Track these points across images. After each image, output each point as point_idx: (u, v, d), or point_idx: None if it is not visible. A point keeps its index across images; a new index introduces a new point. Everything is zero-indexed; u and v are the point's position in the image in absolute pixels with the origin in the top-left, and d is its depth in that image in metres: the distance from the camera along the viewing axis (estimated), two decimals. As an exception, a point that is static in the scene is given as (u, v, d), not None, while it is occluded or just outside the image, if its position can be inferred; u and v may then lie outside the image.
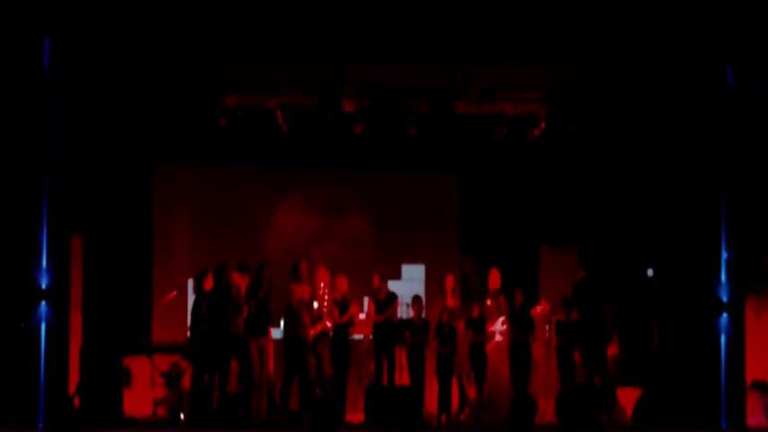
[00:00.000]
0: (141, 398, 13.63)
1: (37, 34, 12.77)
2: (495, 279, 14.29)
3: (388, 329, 13.73)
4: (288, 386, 13.22)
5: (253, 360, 13.03)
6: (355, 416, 13.67)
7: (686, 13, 13.07)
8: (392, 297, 13.87)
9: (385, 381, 13.61)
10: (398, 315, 14.02)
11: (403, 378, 13.97)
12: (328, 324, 13.46)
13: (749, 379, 13.51)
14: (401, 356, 13.97)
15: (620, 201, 14.94)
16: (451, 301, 14.04)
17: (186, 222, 15.45)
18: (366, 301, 14.39)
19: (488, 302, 14.19)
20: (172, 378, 13.62)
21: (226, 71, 13.33)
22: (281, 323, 13.43)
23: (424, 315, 14.07)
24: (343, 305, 13.61)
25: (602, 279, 14.34)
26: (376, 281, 13.91)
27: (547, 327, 14.23)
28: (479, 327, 13.93)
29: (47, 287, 12.65)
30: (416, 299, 14.03)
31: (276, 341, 13.62)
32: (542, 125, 13.93)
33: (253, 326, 13.13)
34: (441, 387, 13.82)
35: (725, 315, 13.26)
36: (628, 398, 13.84)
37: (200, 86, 13.43)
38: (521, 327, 13.93)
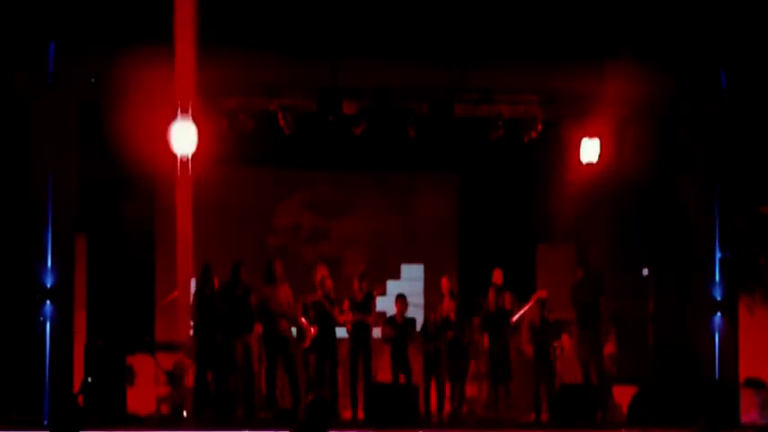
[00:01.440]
0: (144, 395, 13.73)
1: (42, 37, 12.87)
2: (498, 278, 14.32)
3: (363, 329, 13.79)
4: (271, 382, 13.39)
5: (234, 359, 13.19)
6: (353, 413, 13.75)
7: (681, 16, 13.17)
8: (370, 298, 13.87)
9: (361, 378, 13.67)
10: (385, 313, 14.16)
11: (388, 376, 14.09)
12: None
13: (743, 377, 13.64)
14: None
15: (617, 200, 15.03)
16: (447, 303, 14.07)
17: (188, 222, 15.55)
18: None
19: (490, 302, 14.26)
20: (175, 376, 13.74)
21: (227, 73, 13.41)
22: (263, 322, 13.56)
23: (417, 315, 14.17)
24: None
25: (600, 278, 14.44)
26: (355, 281, 13.95)
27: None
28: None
29: (51, 286, 12.77)
30: (400, 297, 14.06)
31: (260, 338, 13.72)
32: (539, 127, 14.03)
33: (234, 325, 13.27)
34: (426, 385, 13.85)
35: (719, 314, 13.40)
36: (623, 396, 13.95)
37: (201, 88, 13.51)
38: (497, 328, 13.99)
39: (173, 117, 13.13)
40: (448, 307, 13.95)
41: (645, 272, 14.77)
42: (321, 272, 13.86)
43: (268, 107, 13.85)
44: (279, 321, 13.39)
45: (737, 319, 13.57)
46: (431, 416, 13.77)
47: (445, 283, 14.14)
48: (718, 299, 13.41)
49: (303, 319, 13.69)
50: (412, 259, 16.22)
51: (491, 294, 14.12)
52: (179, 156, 13.21)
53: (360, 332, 13.74)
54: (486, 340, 14.08)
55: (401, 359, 13.86)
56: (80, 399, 12.90)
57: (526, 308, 14.15)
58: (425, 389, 13.81)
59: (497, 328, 14.01)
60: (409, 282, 15.91)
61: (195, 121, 13.21)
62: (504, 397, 13.92)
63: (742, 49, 13.33)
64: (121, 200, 14.88)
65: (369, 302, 13.81)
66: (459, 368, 13.91)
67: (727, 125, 13.50)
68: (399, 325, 13.90)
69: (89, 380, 12.90)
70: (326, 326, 13.72)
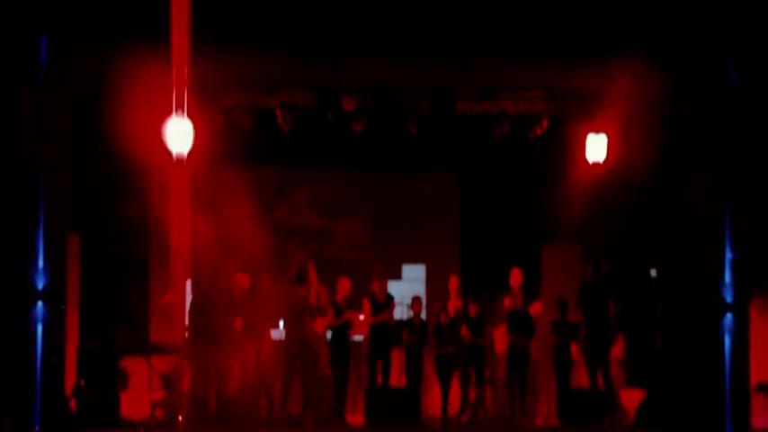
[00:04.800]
0: (138, 400, 13.57)
1: (34, 32, 12.69)
2: (516, 278, 14.11)
3: (384, 331, 13.62)
4: (289, 387, 13.16)
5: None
6: (355, 417, 13.59)
7: (689, 11, 12.99)
8: (390, 298, 13.76)
9: (380, 382, 13.50)
10: (396, 316, 13.97)
11: (401, 380, 13.88)
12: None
13: (754, 381, 13.43)
14: (401, 358, 13.90)
15: (624, 199, 14.83)
16: (455, 302, 13.92)
17: (184, 222, 15.41)
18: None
19: (506, 302, 14.05)
20: (170, 380, 13.55)
21: (223, 69, 13.23)
22: (281, 324, 13.41)
23: (423, 316, 14.00)
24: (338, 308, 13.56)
25: (608, 279, 14.27)
26: (375, 282, 13.79)
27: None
28: (478, 328, 13.79)
29: (43, 287, 12.55)
30: (416, 299, 13.97)
31: (275, 342, 13.55)
32: (544, 124, 13.83)
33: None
34: (442, 388, 13.71)
35: (729, 315, 13.17)
36: (631, 400, 13.76)
37: (198, 85, 13.34)
38: (520, 329, 13.80)
39: (168, 115, 12.95)
40: (455, 307, 13.72)
41: (653, 273, 14.58)
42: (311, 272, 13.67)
43: (266, 104, 13.73)
44: (305, 323, 13.20)
45: (748, 321, 13.34)
46: (433, 419, 13.65)
47: (453, 282, 13.94)
48: (729, 300, 13.18)
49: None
50: (414, 260, 16.05)
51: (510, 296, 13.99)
52: (175, 154, 13.04)
53: (382, 334, 13.52)
54: (498, 344, 13.91)
55: (417, 363, 13.66)
56: (72, 403, 12.72)
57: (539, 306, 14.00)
58: (443, 392, 13.63)
59: (521, 329, 13.79)
60: (411, 282, 15.82)
61: (191, 118, 13.06)
62: (518, 401, 13.72)
63: (752, 44, 13.14)
64: (116, 199, 14.71)
65: (389, 303, 13.61)
66: (475, 371, 13.72)
67: (737, 122, 13.30)
68: (417, 328, 13.69)
69: (81, 383, 12.73)
70: (339, 329, 13.48)
